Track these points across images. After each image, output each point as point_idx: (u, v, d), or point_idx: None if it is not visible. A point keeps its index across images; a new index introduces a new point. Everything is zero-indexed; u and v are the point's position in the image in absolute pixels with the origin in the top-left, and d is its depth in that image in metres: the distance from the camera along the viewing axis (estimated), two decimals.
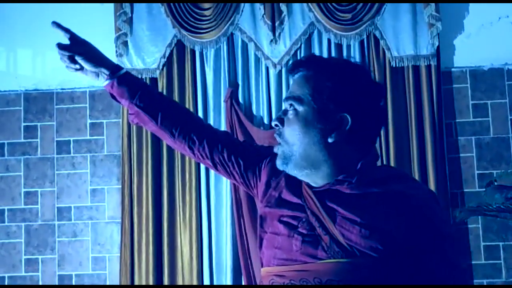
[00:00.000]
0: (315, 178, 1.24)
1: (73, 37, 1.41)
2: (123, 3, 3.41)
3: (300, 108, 1.22)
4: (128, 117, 1.47)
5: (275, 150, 1.28)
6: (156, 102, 1.44)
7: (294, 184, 1.29)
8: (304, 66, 1.26)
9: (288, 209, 1.26)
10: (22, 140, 3.55)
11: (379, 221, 1.16)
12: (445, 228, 1.22)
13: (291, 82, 1.30)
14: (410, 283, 1.17)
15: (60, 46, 1.39)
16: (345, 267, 1.15)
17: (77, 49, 1.40)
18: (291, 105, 1.23)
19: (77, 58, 1.40)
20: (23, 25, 3.60)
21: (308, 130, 1.21)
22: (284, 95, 3.35)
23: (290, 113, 1.23)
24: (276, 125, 1.25)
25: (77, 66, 1.42)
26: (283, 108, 1.27)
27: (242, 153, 1.42)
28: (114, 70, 1.42)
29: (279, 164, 1.26)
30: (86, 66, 1.41)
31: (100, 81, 1.43)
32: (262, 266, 1.30)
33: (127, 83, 1.42)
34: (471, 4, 3.38)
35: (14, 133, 3.55)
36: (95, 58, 1.41)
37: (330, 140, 1.21)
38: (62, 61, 1.42)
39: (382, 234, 1.15)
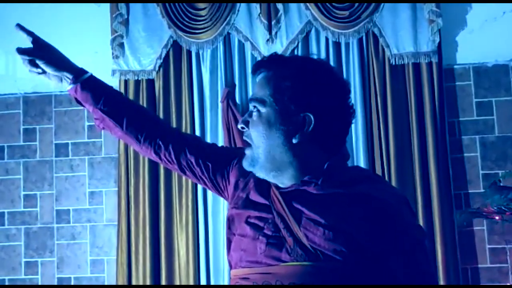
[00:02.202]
0: (282, 179, 1.22)
1: (35, 40, 1.38)
2: (119, 4, 3.39)
3: (262, 110, 1.19)
4: (94, 122, 1.43)
5: (246, 151, 1.25)
6: (121, 107, 1.41)
7: (262, 185, 1.26)
8: (264, 66, 1.23)
9: (255, 210, 1.23)
10: (21, 143, 3.56)
11: (343, 223, 1.13)
12: (412, 231, 1.18)
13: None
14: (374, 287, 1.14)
15: (19, 50, 1.36)
16: (308, 271, 1.12)
17: (38, 53, 1.36)
18: (254, 106, 1.21)
19: (38, 62, 1.37)
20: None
21: (272, 131, 1.18)
22: None
23: (254, 115, 1.21)
24: (242, 127, 1.23)
25: (39, 70, 1.39)
26: (249, 110, 1.24)
27: (210, 156, 1.39)
28: (77, 74, 1.39)
29: (245, 165, 1.24)
30: (47, 70, 1.38)
31: (64, 86, 1.40)
32: (231, 269, 1.28)
33: (91, 88, 1.39)
34: None
35: (13, 136, 3.57)
36: (57, 62, 1.38)
37: (294, 141, 1.18)
38: (24, 65, 1.39)
39: (346, 236, 1.12)
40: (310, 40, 3.32)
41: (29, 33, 1.38)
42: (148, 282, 3.29)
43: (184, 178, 3.33)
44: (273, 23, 3.29)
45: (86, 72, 1.41)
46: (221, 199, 3.28)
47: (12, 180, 3.55)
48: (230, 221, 1.29)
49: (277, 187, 1.22)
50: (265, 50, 3.30)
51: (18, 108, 3.58)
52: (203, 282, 3.29)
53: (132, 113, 1.41)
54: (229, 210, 1.32)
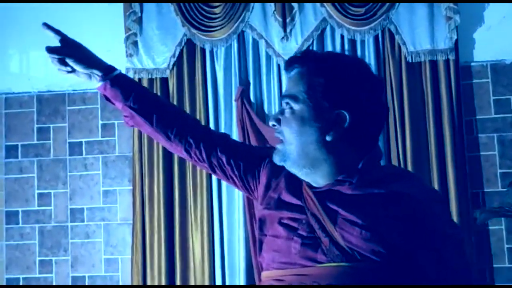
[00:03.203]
0: (315, 178, 1.20)
1: (63, 38, 1.37)
2: (132, 3, 3.37)
3: (296, 107, 1.18)
4: (123, 119, 1.43)
5: (277, 146, 1.23)
6: (151, 103, 1.40)
7: (295, 185, 1.25)
8: (298, 62, 1.22)
9: (288, 211, 1.22)
10: (35, 142, 3.56)
11: (380, 223, 1.12)
12: (448, 228, 1.17)
13: (286, 79, 1.24)
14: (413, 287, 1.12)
15: (49, 49, 1.36)
16: (346, 271, 1.11)
17: (67, 51, 1.36)
18: (287, 103, 1.20)
19: (68, 60, 1.36)
20: (35, 27, 3.57)
21: (305, 128, 1.17)
22: None
23: (287, 112, 1.20)
24: (273, 125, 1.22)
25: (69, 69, 1.38)
26: (281, 107, 1.23)
27: (241, 156, 1.38)
28: (107, 72, 1.38)
29: (276, 159, 1.22)
30: (77, 68, 1.37)
31: (93, 83, 1.39)
32: (262, 271, 1.26)
33: (120, 85, 1.38)
34: None
35: (27, 135, 3.57)
36: (87, 59, 1.38)
37: (328, 138, 1.17)
38: (53, 64, 1.39)
39: (384, 236, 1.11)
40: (325, 37, 3.29)
41: (57, 31, 1.38)
42: (163, 281, 3.28)
43: (198, 177, 3.32)
44: (287, 20, 3.26)
45: (115, 69, 1.41)
46: (236, 197, 3.28)
47: (26, 179, 3.55)
48: (261, 222, 1.27)
49: (310, 187, 1.21)
50: (280, 47, 3.28)
51: (32, 107, 3.58)
52: (218, 281, 3.27)
53: (162, 110, 1.40)
54: (260, 211, 1.30)
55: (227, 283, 3.28)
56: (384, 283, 1.10)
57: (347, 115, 1.15)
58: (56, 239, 3.49)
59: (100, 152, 3.50)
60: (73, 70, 1.39)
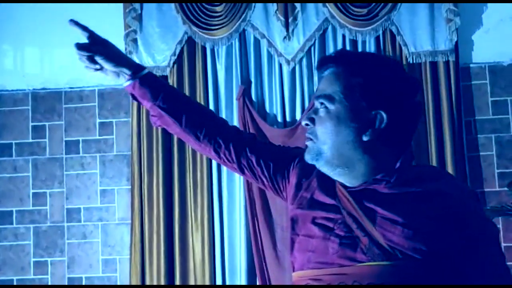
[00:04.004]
0: (349, 178, 1.20)
1: (92, 36, 1.33)
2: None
3: (331, 107, 1.17)
4: (150, 118, 1.41)
5: (308, 144, 1.22)
6: (181, 103, 1.38)
7: (327, 185, 1.23)
8: (333, 62, 1.20)
9: (322, 211, 1.21)
10: (30, 140, 3.48)
11: (419, 221, 1.12)
12: (486, 226, 1.17)
13: (315, 78, 1.23)
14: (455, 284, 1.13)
15: (79, 46, 1.31)
16: (388, 270, 1.10)
17: (97, 48, 1.32)
18: (321, 103, 1.18)
19: (97, 58, 1.32)
20: (30, 23, 3.53)
21: (341, 128, 1.16)
22: (298, 92, 3.27)
23: (322, 112, 1.18)
24: (307, 124, 1.21)
25: (97, 66, 1.35)
26: (314, 106, 1.22)
27: (271, 156, 1.37)
28: (136, 70, 1.36)
29: (308, 158, 1.21)
30: (106, 66, 1.34)
31: (120, 81, 1.36)
32: (293, 271, 1.25)
33: (149, 84, 1.36)
34: None
35: (22, 133, 3.49)
36: (116, 57, 1.35)
37: (365, 139, 1.16)
38: (81, 61, 1.34)
39: (424, 234, 1.11)
40: (327, 37, 3.30)
41: (84, 28, 1.34)
42: (162, 282, 3.25)
43: (199, 176, 3.29)
44: (290, 20, 3.26)
45: (144, 68, 1.38)
46: (237, 196, 3.27)
47: (21, 178, 3.47)
48: (293, 221, 1.26)
49: (344, 186, 1.20)
50: (282, 47, 3.28)
51: (27, 105, 3.50)
52: (218, 281, 3.25)
53: (192, 110, 1.38)
54: (292, 210, 1.29)
55: (228, 283, 3.26)
56: (426, 281, 1.10)
57: (384, 115, 1.15)
58: (52, 239, 3.42)
59: (97, 151, 3.45)
60: (101, 68, 1.35)
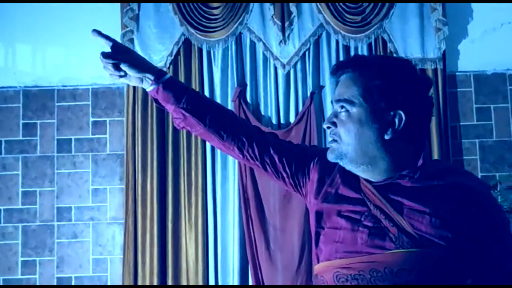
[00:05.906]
0: (373, 174, 1.27)
1: (115, 44, 1.39)
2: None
3: (352, 110, 1.24)
4: (173, 121, 1.45)
5: (329, 143, 1.30)
6: (204, 104, 1.44)
7: (351, 180, 1.31)
8: (349, 67, 1.28)
9: (348, 204, 1.28)
10: (21, 138, 3.44)
11: (445, 211, 1.20)
12: (504, 217, 1.27)
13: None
14: (477, 272, 1.22)
15: (104, 55, 1.36)
16: (416, 257, 1.18)
17: (121, 56, 1.38)
18: (342, 107, 1.25)
19: (122, 65, 1.37)
20: (22, 19, 3.49)
21: (363, 130, 1.24)
22: (292, 95, 3.35)
23: (343, 115, 1.26)
24: (328, 127, 1.28)
25: (122, 73, 1.39)
26: (334, 109, 1.29)
27: (293, 154, 1.43)
28: (158, 75, 1.41)
29: (332, 158, 1.28)
30: (130, 72, 1.39)
31: (144, 86, 1.41)
32: (318, 262, 1.31)
33: (172, 88, 1.41)
34: (475, 10, 3.45)
35: (12, 130, 3.44)
36: (139, 64, 1.40)
37: (386, 137, 1.23)
38: (105, 70, 1.39)
39: (450, 223, 1.19)
40: (321, 43, 3.39)
41: (107, 38, 1.39)
42: (154, 282, 3.24)
43: (193, 175, 3.32)
44: (286, 24, 3.34)
45: (165, 73, 1.44)
46: (231, 196, 3.30)
47: (10, 176, 3.41)
48: (319, 215, 1.33)
49: (369, 181, 1.27)
50: (278, 51, 3.35)
51: (18, 102, 3.46)
52: (211, 281, 3.27)
53: (214, 111, 1.44)
54: (315, 205, 1.35)
55: (220, 283, 3.28)
56: (451, 265, 1.18)
57: (403, 115, 1.23)
58: (41, 238, 3.37)
59: (90, 150, 3.43)
60: (125, 75, 1.40)
